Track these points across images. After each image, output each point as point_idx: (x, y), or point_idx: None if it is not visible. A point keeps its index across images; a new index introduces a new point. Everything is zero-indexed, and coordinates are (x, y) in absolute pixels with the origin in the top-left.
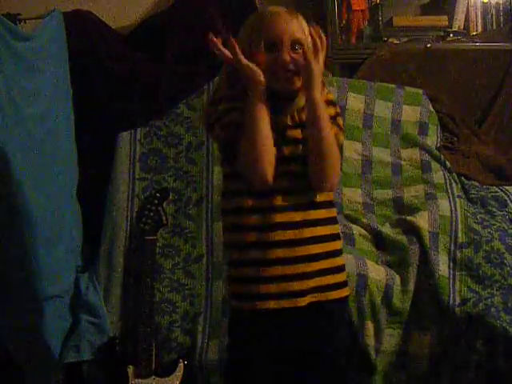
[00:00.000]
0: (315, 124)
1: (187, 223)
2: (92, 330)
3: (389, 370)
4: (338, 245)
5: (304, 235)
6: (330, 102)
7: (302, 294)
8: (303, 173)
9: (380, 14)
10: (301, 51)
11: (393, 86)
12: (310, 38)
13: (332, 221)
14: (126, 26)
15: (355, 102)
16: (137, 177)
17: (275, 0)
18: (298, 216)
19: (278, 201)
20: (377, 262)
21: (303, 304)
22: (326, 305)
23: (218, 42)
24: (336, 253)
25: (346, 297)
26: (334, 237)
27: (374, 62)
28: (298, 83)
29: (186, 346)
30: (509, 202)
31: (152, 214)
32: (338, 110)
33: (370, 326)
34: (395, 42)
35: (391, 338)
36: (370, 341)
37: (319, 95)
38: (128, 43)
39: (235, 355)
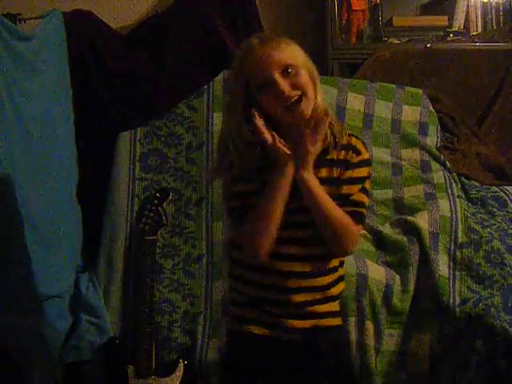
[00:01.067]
0: (311, 207)
1: (187, 223)
2: (92, 330)
3: (389, 370)
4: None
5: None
6: (364, 163)
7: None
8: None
9: (380, 13)
10: (296, 73)
11: (393, 86)
12: (304, 62)
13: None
14: (126, 26)
15: (355, 102)
16: (137, 177)
17: (274, 2)
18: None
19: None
20: (377, 262)
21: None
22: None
23: (260, 122)
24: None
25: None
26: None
27: (374, 62)
28: (308, 106)
29: (186, 346)
30: (509, 201)
31: (152, 214)
32: (371, 171)
33: (370, 325)
34: (395, 41)
35: (391, 338)
36: (370, 341)
37: (311, 174)
38: (128, 43)
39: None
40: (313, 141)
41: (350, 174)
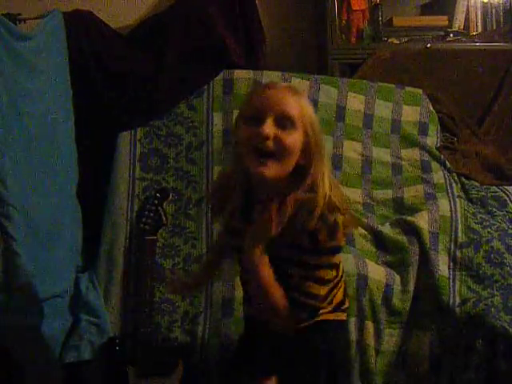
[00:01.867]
0: (252, 283)
1: (187, 223)
2: (92, 330)
3: (389, 370)
4: None
5: None
6: (327, 250)
7: None
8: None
9: (380, 13)
10: (290, 131)
11: (393, 85)
12: (308, 123)
13: None
14: (126, 26)
15: (355, 102)
16: (137, 177)
17: (274, 2)
18: None
19: None
20: (377, 262)
21: None
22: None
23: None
24: None
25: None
26: None
27: (374, 62)
28: (274, 171)
29: (186, 346)
30: (509, 201)
31: (152, 214)
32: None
33: (369, 325)
34: (395, 42)
35: (391, 338)
36: (370, 341)
37: (260, 258)
38: (128, 43)
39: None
40: (274, 224)
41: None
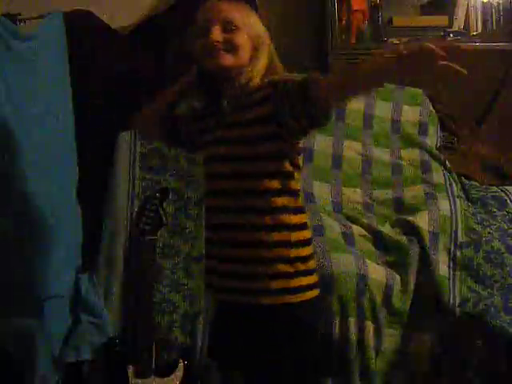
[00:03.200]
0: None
1: (187, 223)
2: (92, 330)
3: (389, 369)
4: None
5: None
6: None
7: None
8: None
9: (380, 13)
10: (235, 32)
11: (393, 85)
12: (250, 26)
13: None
14: (126, 26)
15: (355, 102)
16: (137, 177)
17: (275, 2)
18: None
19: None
20: (377, 262)
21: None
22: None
23: None
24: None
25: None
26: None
27: None
28: (229, 60)
29: (186, 346)
30: (509, 201)
31: (152, 214)
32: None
33: (369, 325)
34: (395, 42)
35: (391, 338)
36: (370, 341)
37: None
38: (128, 43)
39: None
40: None
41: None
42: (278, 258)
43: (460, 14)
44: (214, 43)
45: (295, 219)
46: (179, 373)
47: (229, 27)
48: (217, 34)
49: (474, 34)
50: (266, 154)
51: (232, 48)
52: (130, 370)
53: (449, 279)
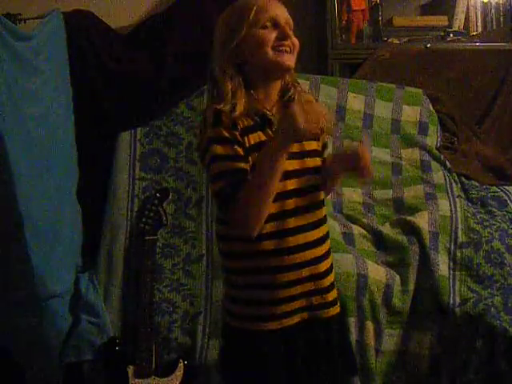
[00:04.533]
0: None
1: (187, 223)
2: (92, 330)
3: (389, 370)
4: (330, 261)
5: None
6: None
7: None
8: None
9: (380, 13)
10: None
11: (393, 85)
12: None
13: (327, 237)
14: (126, 26)
15: (355, 102)
16: (137, 177)
17: None
18: (312, 235)
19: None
20: (377, 262)
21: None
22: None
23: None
24: (330, 269)
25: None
26: (329, 252)
27: (373, 62)
28: (292, 62)
29: (186, 346)
30: (509, 201)
31: (152, 214)
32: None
33: (370, 325)
34: (395, 41)
35: (391, 338)
36: (370, 341)
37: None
38: (128, 43)
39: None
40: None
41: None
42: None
43: (460, 14)
44: (288, 43)
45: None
46: (179, 373)
47: (290, 28)
48: (291, 34)
49: (474, 33)
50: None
51: (293, 50)
52: (130, 369)
53: (449, 279)
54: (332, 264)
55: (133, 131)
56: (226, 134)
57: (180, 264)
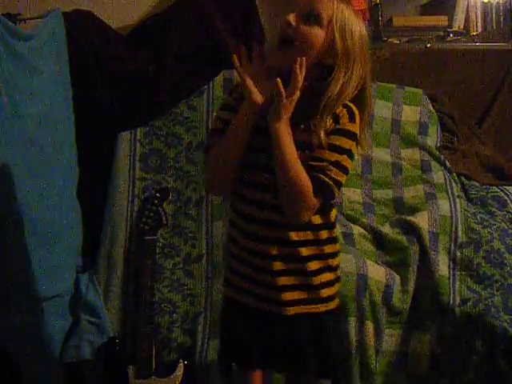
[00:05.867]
0: (275, 159)
1: (187, 223)
2: (92, 330)
3: (389, 370)
4: (315, 265)
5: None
6: (346, 133)
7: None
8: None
9: (380, 13)
10: (314, 26)
11: (393, 85)
12: (338, 20)
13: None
14: (126, 26)
15: None
16: (137, 177)
17: None
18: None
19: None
20: (377, 262)
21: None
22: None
23: (236, 58)
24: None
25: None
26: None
27: (373, 62)
28: (290, 60)
29: (186, 345)
30: (509, 201)
31: (152, 214)
32: (352, 147)
33: (370, 325)
34: (395, 42)
35: (391, 338)
36: (370, 341)
37: (283, 126)
38: (128, 43)
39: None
40: (287, 93)
41: (325, 139)
42: None
43: (460, 14)
44: (284, 29)
45: None
46: (179, 373)
47: (310, 19)
48: (293, 20)
49: (474, 34)
50: None
51: (301, 43)
52: (130, 370)
53: (449, 279)
54: (290, 270)
55: (133, 131)
56: (229, 100)
57: (180, 264)
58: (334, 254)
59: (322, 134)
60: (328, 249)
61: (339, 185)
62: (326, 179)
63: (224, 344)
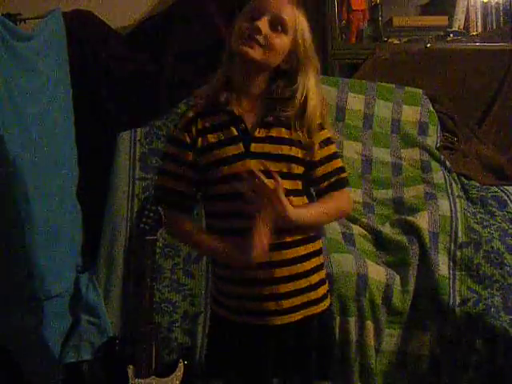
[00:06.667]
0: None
1: None
2: (92, 330)
3: (389, 370)
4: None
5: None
6: (328, 141)
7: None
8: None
9: (380, 13)
10: (281, 34)
11: (393, 85)
12: (300, 29)
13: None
14: (126, 26)
15: (355, 102)
16: (137, 177)
17: None
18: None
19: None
20: (377, 262)
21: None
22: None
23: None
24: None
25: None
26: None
27: (373, 62)
28: (259, 55)
29: (186, 346)
30: (509, 202)
31: (152, 214)
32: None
33: (370, 325)
34: (395, 42)
35: (391, 338)
36: (370, 341)
37: (294, 216)
38: (128, 43)
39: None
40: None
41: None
42: None
43: (460, 13)
44: (254, 34)
45: None
46: (179, 373)
47: (277, 27)
48: (263, 26)
49: (474, 33)
50: None
51: (268, 45)
52: (130, 370)
53: (449, 279)
54: (291, 275)
55: (133, 131)
56: (180, 136)
57: (180, 264)
58: (321, 250)
59: (317, 147)
60: (318, 245)
61: (344, 168)
62: (341, 175)
63: (211, 361)
